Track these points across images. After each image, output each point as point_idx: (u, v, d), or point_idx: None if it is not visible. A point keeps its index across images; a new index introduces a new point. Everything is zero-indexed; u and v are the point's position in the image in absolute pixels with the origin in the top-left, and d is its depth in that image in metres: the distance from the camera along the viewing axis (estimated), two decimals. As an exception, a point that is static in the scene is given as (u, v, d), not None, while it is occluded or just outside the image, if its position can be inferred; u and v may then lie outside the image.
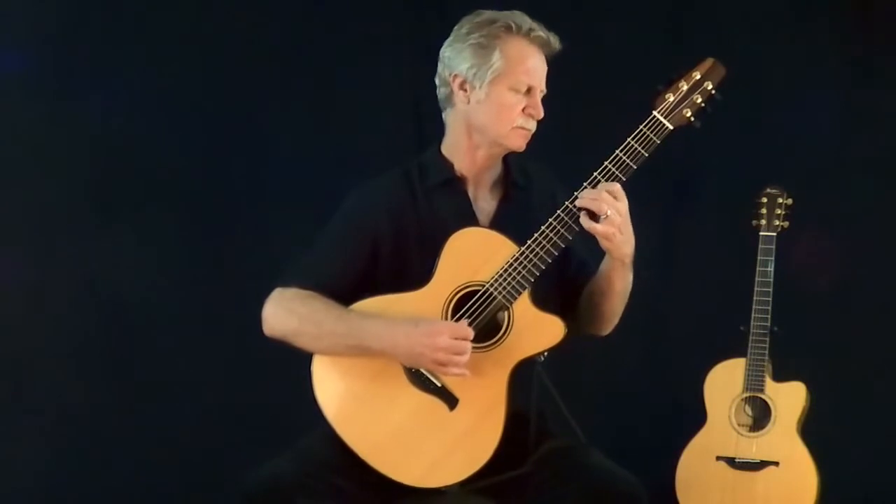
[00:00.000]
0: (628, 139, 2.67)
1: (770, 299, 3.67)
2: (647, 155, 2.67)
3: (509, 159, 2.86)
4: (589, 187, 2.65)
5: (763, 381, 3.66)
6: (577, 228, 2.66)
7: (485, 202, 2.85)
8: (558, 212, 2.67)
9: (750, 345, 3.67)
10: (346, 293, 2.75)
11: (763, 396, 3.67)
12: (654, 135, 2.67)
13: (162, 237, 4.14)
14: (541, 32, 2.77)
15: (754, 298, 3.69)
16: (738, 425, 3.68)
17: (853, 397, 4.03)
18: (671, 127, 2.69)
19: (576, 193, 2.66)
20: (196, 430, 4.07)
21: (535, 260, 2.66)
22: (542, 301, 2.69)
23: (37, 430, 4.09)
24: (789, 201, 3.72)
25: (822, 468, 3.64)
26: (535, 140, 2.82)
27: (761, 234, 3.72)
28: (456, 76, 2.79)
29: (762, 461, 3.65)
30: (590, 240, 2.69)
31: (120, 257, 4.11)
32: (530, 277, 2.66)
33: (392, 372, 2.70)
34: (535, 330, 2.67)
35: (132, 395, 4.10)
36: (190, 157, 4.14)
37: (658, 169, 2.71)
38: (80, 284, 4.12)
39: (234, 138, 4.17)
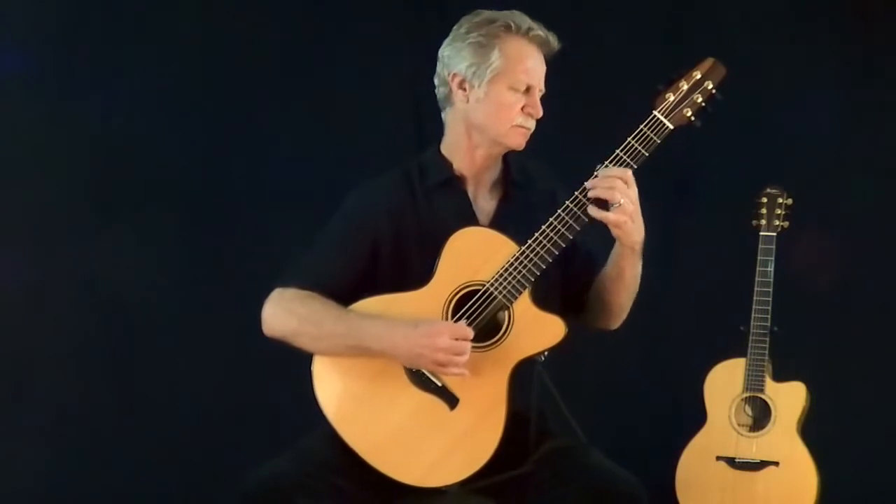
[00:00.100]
0: (629, 139, 2.67)
1: (770, 299, 3.67)
2: (647, 154, 2.67)
3: (509, 158, 2.86)
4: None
5: (763, 381, 3.67)
6: (581, 225, 2.65)
7: (485, 202, 2.85)
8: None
9: (750, 345, 3.67)
10: (345, 293, 2.75)
11: (763, 396, 3.67)
12: (655, 134, 2.67)
13: (162, 237, 4.14)
14: (540, 32, 2.77)
15: (754, 298, 3.69)
16: (738, 425, 3.68)
17: (853, 397, 4.03)
18: (671, 126, 2.68)
19: (576, 193, 2.66)
20: (196, 430, 4.07)
21: (535, 259, 2.66)
22: (543, 301, 2.69)
23: (37, 430, 4.09)
24: (789, 201, 3.72)
25: (822, 468, 3.64)
26: (535, 140, 2.82)
27: (761, 234, 3.72)
28: (455, 75, 2.79)
29: (762, 461, 3.65)
30: (597, 236, 2.69)
31: (120, 257, 4.11)
32: (531, 277, 2.66)
33: (392, 371, 2.70)
34: (536, 330, 2.67)
35: (132, 395, 4.10)
36: (190, 157, 4.14)
37: (658, 169, 2.71)
38: (80, 284, 4.12)
39: (234, 138, 4.17)
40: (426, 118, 3.30)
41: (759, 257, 3.70)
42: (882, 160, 4.10)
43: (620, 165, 2.65)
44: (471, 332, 2.64)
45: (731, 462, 3.67)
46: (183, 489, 4.06)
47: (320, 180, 4.01)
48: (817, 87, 4.15)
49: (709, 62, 2.72)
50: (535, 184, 2.88)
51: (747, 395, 3.68)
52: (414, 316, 2.67)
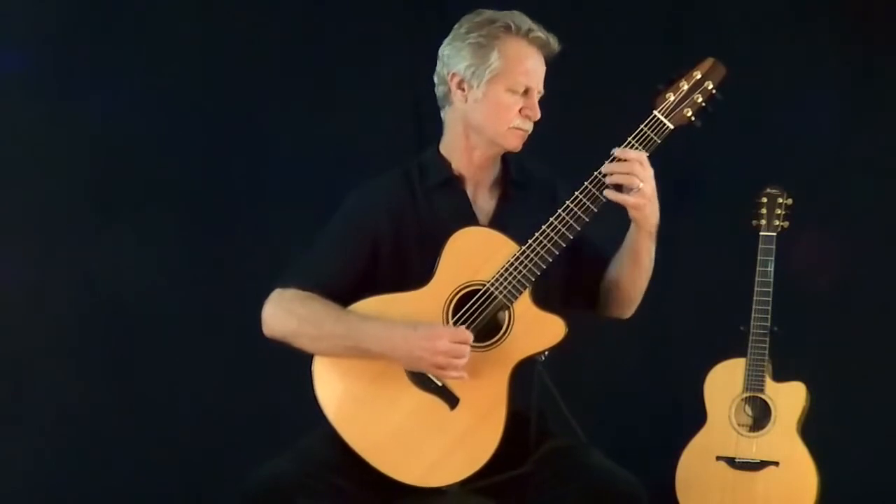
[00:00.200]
0: (629, 139, 2.67)
1: (770, 299, 3.67)
2: (647, 154, 2.67)
3: (508, 158, 2.86)
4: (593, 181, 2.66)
5: (763, 381, 3.66)
6: (582, 223, 2.65)
7: (484, 201, 2.85)
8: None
9: (750, 345, 3.67)
10: (345, 293, 2.74)
11: (763, 396, 3.67)
12: (655, 134, 2.67)
13: (162, 237, 4.13)
14: (540, 33, 2.77)
15: (754, 298, 3.69)
16: (738, 425, 3.68)
17: (853, 397, 4.03)
18: (672, 126, 2.68)
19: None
20: (196, 430, 4.07)
21: (535, 259, 2.66)
22: (544, 300, 2.69)
23: (37, 430, 4.09)
24: (789, 201, 3.72)
25: (822, 468, 3.64)
26: (535, 140, 2.82)
27: (761, 234, 3.72)
28: (454, 75, 2.79)
29: (762, 461, 3.65)
30: (602, 228, 2.70)
31: (120, 257, 4.11)
32: (531, 277, 2.65)
33: (393, 371, 2.70)
34: (536, 329, 2.67)
35: (132, 395, 4.10)
36: (190, 157, 4.14)
37: (658, 169, 2.70)
38: (80, 284, 4.12)
39: (234, 138, 4.17)
40: (426, 118, 3.30)
41: (759, 257, 3.70)
42: (882, 160, 4.10)
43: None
44: (470, 336, 2.64)
45: (731, 462, 3.67)
46: (183, 489, 4.06)
47: (320, 180, 4.01)
48: (817, 87, 4.15)
49: (709, 62, 2.72)
50: (534, 183, 2.88)
51: (747, 395, 3.68)
52: (414, 316, 2.67)
